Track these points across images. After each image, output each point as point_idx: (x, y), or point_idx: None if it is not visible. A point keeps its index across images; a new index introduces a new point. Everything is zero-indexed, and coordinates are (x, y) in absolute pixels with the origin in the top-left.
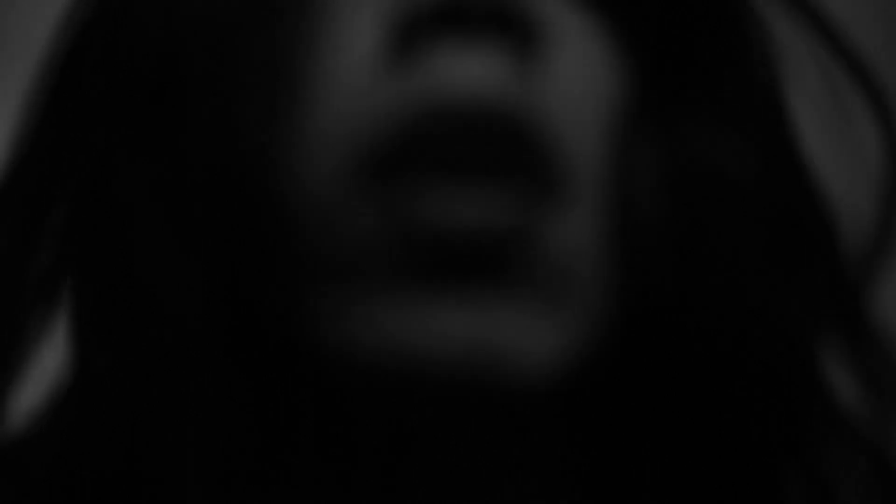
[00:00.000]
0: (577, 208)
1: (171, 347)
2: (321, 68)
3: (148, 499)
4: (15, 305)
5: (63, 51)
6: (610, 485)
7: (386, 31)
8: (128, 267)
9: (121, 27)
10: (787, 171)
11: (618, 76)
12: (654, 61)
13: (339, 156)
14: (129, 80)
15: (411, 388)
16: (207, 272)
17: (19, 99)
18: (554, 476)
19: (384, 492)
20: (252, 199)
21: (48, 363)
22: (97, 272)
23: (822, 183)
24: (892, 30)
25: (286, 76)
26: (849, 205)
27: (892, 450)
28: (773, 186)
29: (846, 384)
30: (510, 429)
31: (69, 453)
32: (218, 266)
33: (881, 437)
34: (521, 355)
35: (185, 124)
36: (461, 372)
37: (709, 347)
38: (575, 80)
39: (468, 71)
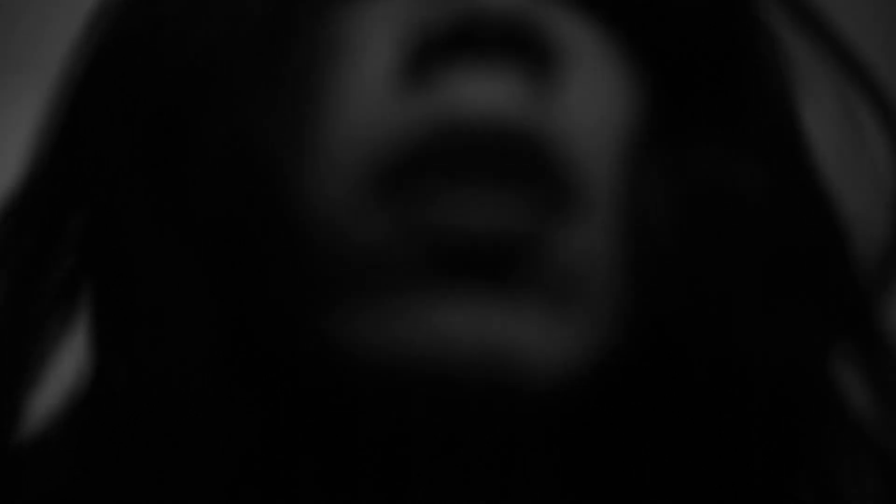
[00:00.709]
0: (588, 221)
1: (182, 353)
2: (337, 85)
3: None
4: (34, 310)
5: (83, 60)
6: (615, 489)
7: (402, 51)
8: (140, 279)
9: (140, 39)
10: (800, 188)
11: (632, 96)
12: (668, 81)
13: (353, 167)
14: (146, 92)
15: (422, 389)
16: (220, 280)
17: (36, 107)
18: (559, 479)
19: (393, 492)
20: (265, 208)
21: (67, 367)
22: (111, 282)
23: (835, 195)
24: (893, 30)
25: (302, 91)
26: (861, 216)
27: None
28: (784, 204)
29: (859, 393)
30: (517, 431)
31: (84, 458)
32: (231, 274)
33: (893, 445)
34: (529, 358)
35: (201, 138)
36: (471, 374)
37: (717, 357)
38: (589, 102)
39: (483, 93)
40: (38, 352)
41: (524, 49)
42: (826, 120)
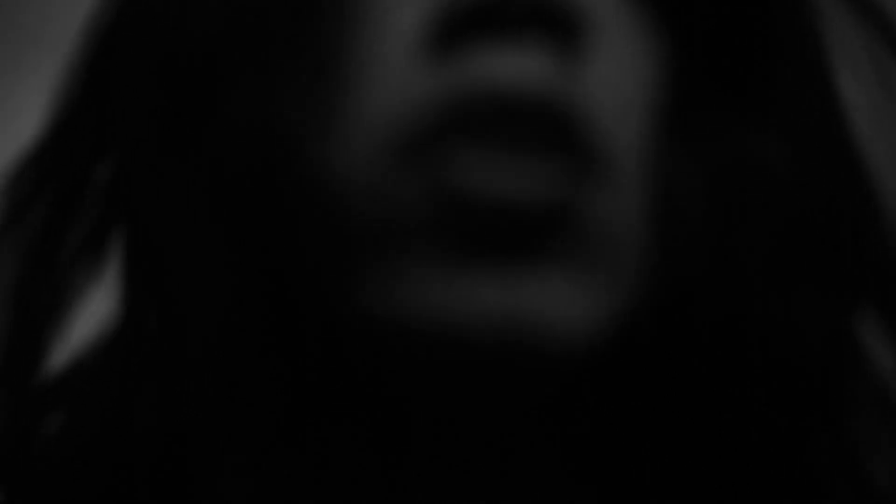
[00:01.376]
0: (615, 188)
1: (208, 307)
2: (362, 53)
3: (181, 453)
4: (61, 258)
5: (106, 20)
6: (632, 452)
7: (428, 21)
8: (167, 233)
9: (163, 4)
10: (831, 158)
11: (658, 66)
12: (696, 50)
13: (379, 135)
14: (173, 46)
15: (450, 355)
16: (246, 237)
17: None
18: (577, 443)
19: (414, 453)
20: (290, 170)
21: (94, 315)
22: (139, 234)
23: (869, 162)
24: None
25: (327, 57)
26: (892, 180)
27: None
28: (813, 175)
29: (886, 361)
30: (538, 393)
31: (110, 402)
32: (256, 233)
33: None
34: (554, 327)
35: (226, 98)
36: (499, 339)
37: (740, 323)
38: (615, 72)
39: (510, 65)
40: (64, 300)
41: (551, 21)
42: (861, 84)
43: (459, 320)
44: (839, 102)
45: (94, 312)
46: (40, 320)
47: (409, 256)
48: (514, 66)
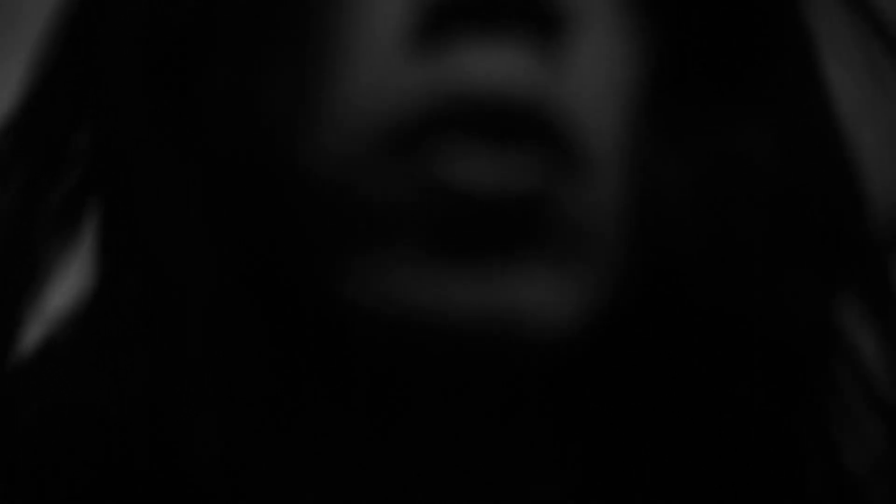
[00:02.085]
0: (594, 181)
1: (185, 278)
2: (348, 46)
3: (158, 425)
4: (39, 223)
5: None
6: (614, 437)
7: (413, 14)
8: (145, 205)
9: None
10: (815, 149)
11: (642, 59)
12: (681, 43)
13: (363, 126)
14: (150, 25)
15: (434, 346)
16: (224, 217)
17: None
18: (559, 429)
19: (409, 441)
20: (274, 164)
21: (72, 280)
22: (117, 203)
23: (855, 152)
24: None
25: (313, 47)
26: (879, 168)
27: None
28: (800, 169)
29: (868, 348)
30: (520, 381)
31: (89, 367)
32: (236, 214)
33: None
34: (534, 320)
35: (209, 80)
36: (480, 332)
37: (721, 308)
38: (597, 66)
39: (492, 63)
40: (41, 266)
41: (533, 15)
42: (850, 74)
43: (441, 313)
44: (827, 94)
45: (69, 283)
46: (16, 290)
47: (392, 250)
48: (495, 63)
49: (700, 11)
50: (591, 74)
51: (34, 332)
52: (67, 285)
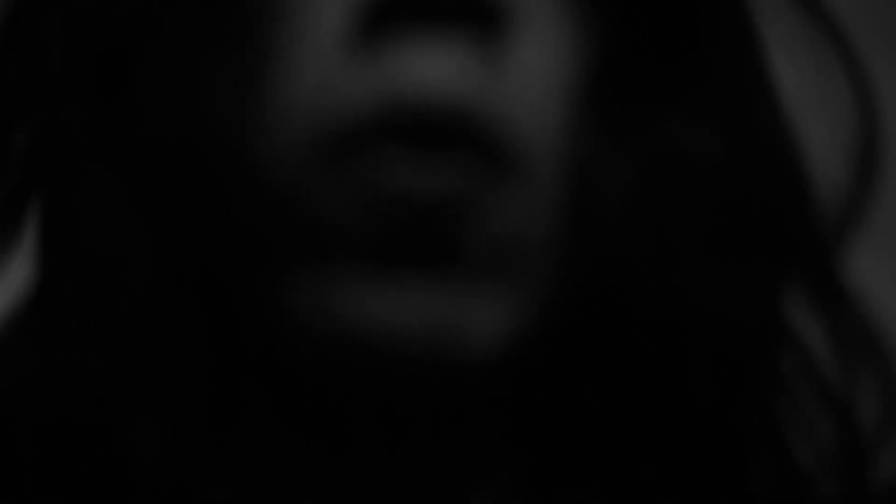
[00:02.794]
0: (531, 189)
1: (124, 287)
2: (289, 46)
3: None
4: None
5: None
6: (557, 453)
7: (351, 14)
8: (83, 206)
9: None
10: (759, 147)
11: (582, 60)
12: (624, 44)
13: (300, 130)
14: (91, 21)
15: (362, 360)
16: (161, 235)
17: None
18: (501, 442)
19: (337, 462)
20: (209, 166)
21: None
22: (56, 204)
23: (801, 148)
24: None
25: (254, 49)
26: (826, 166)
27: (857, 403)
28: (740, 164)
29: (816, 341)
30: (457, 396)
31: (29, 368)
32: (172, 215)
33: (847, 391)
34: (469, 334)
35: (151, 88)
36: (410, 349)
37: (665, 314)
38: (536, 68)
39: (429, 67)
40: None
41: (474, 17)
42: (792, 69)
43: (371, 328)
44: (771, 89)
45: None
46: None
47: (320, 255)
48: (432, 66)
49: (640, 7)
50: (530, 72)
51: None
52: (8, 285)
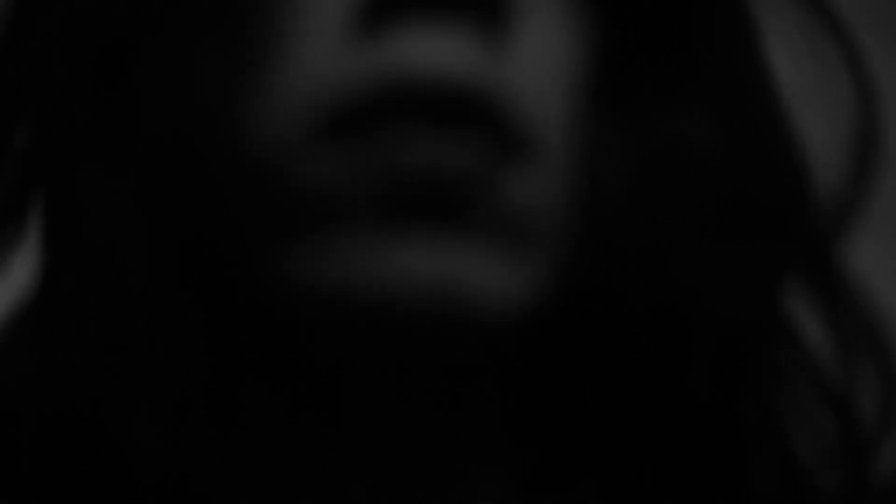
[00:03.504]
0: (539, 168)
1: (126, 283)
2: (288, 30)
3: (101, 423)
4: None
5: None
6: (554, 425)
7: (356, 1)
8: (86, 199)
9: None
10: (756, 137)
11: (583, 49)
12: (622, 32)
13: (305, 113)
14: (90, 19)
15: (373, 325)
16: (163, 214)
17: None
18: (500, 412)
19: (342, 429)
20: (212, 145)
21: (18, 276)
22: (58, 200)
23: (799, 139)
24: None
25: (255, 33)
26: (824, 155)
27: (857, 396)
28: (737, 153)
29: (815, 335)
30: (463, 364)
31: (32, 365)
32: (174, 208)
33: (847, 385)
34: (479, 296)
35: (147, 70)
36: (422, 310)
37: (663, 296)
38: (540, 53)
39: (433, 50)
40: None
41: (477, 4)
42: (792, 62)
43: (389, 287)
44: (768, 80)
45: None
46: None
47: (329, 227)
48: (438, 49)
49: (638, 1)
50: (535, 61)
51: None
52: (11, 284)
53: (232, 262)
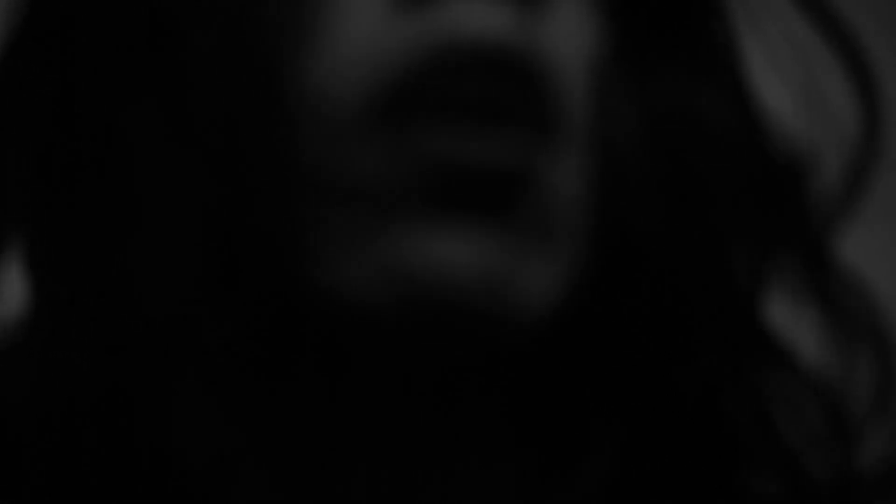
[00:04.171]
0: (569, 152)
1: (162, 263)
2: (336, 1)
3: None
4: None
5: None
6: (574, 417)
7: None
8: (123, 167)
9: None
10: (750, 117)
11: (602, 30)
12: (632, 18)
13: (351, 89)
14: None
15: (414, 313)
16: (209, 191)
17: None
18: (510, 411)
19: (372, 415)
20: (260, 121)
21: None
22: (108, 179)
23: (780, 129)
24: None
25: (301, 6)
26: (816, 151)
27: (849, 386)
28: (742, 130)
29: (809, 322)
30: (503, 358)
31: (45, 372)
32: (220, 185)
33: (840, 375)
34: (523, 288)
35: (198, 40)
36: (466, 299)
37: (675, 283)
38: (569, 32)
39: (477, 17)
40: None
41: None
42: (787, 56)
43: (426, 279)
44: (744, 69)
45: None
46: None
47: (370, 211)
48: (482, 15)
49: None
50: (566, 37)
51: None
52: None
53: (268, 243)
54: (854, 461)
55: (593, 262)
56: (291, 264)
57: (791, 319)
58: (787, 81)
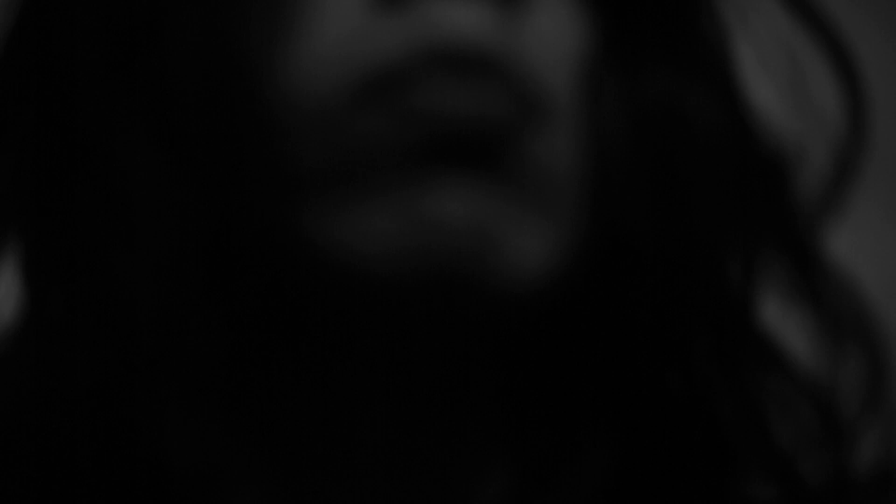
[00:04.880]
0: (552, 132)
1: (158, 245)
2: (313, 2)
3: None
4: None
5: None
6: (557, 411)
7: None
8: (109, 172)
9: None
10: (737, 114)
11: (588, 26)
12: (620, 16)
13: (336, 75)
14: None
15: (409, 280)
16: (193, 176)
17: None
18: (514, 396)
19: (363, 386)
20: (240, 105)
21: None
22: (93, 177)
23: (767, 127)
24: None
25: (282, 3)
26: (801, 149)
27: (840, 385)
28: (728, 127)
29: (798, 323)
30: (485, 332)
31: (25, 390)
32: (209, 170)
33: (830, 374)
34: (514, 245)
35: (178, 33)
36: (460, 256)
37: (662, 272)
38: (553, 25)
39: (456, 17)
40: None
41: None
42: (773, 52)
43: (421, 237)
44: (734, 65)
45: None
46: None
47: (364, 179)
48: (461, 16)
49: None
50: (547, 33)
51: None
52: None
53: (262, 226)
54: (848, 463)
55: (589, 254)
56: (286, 246)
57: (781, 320)
58: (774, 78)
